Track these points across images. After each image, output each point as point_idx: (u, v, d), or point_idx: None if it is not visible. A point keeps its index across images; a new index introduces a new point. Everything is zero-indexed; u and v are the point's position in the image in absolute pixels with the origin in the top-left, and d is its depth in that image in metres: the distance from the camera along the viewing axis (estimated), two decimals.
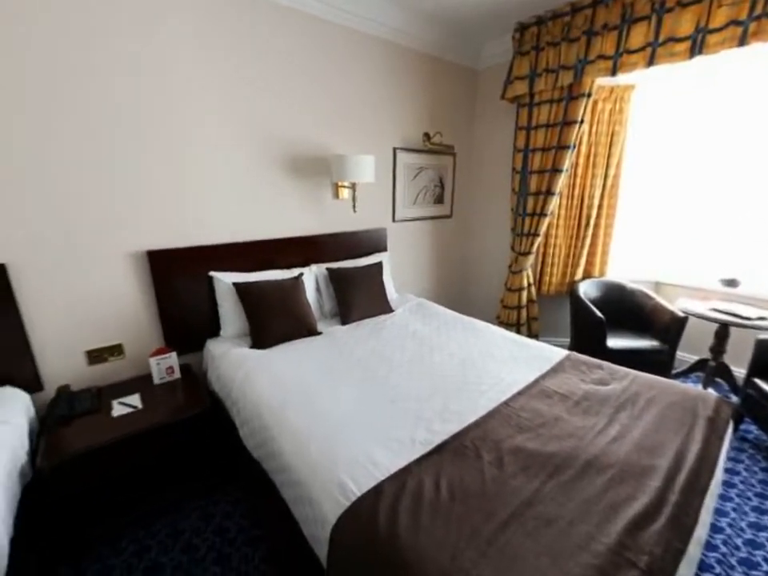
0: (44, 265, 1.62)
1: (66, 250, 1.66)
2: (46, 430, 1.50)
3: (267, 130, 2.11)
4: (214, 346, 1.98)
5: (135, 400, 1.69)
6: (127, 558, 1.48)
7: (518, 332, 2.89)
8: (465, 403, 1.46)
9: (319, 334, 2.09)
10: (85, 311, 1.75)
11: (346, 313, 2.27)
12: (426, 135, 2.85)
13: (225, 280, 2.01)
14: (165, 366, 1.84)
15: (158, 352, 1.84)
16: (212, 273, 2.03)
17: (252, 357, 1.82)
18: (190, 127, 1.86)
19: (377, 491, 1.04)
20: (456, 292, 3.59)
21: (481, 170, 3.31)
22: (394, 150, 2.73)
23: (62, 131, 1.56)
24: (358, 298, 2.30)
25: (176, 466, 1.66)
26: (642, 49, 2.02)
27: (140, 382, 1.82)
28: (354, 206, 2.49)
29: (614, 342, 2.39)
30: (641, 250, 3.00)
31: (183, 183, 1.90)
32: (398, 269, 2.98)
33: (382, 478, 1.09)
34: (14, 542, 1.12)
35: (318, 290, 2.36)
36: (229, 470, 1.83)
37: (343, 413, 1.39)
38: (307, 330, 2.06)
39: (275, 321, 1.97)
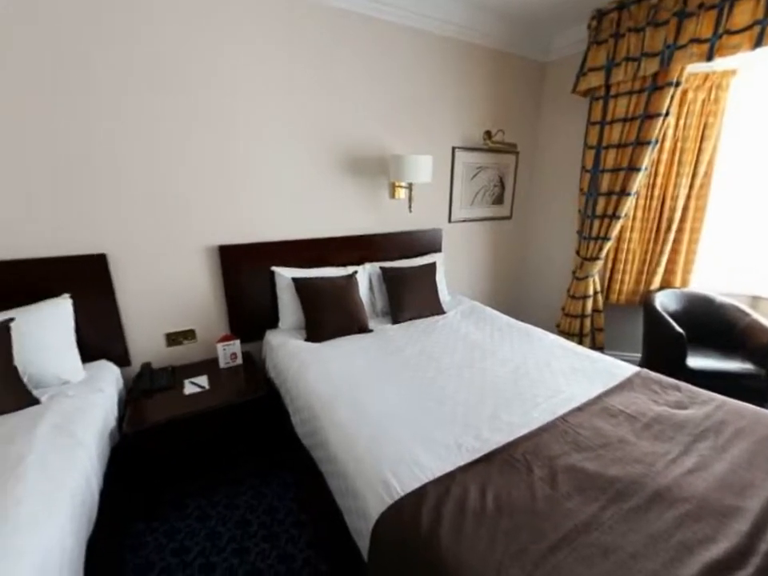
0: (135, 256, 1.84)
1: (155, 243, 1.87)
2: (131, 400, 1.71)
3: (329, 132, 2.19)
4: (272, 337, 2.11)
5: (203, 381, 1.85)
6: (191, 522, 1.64)
7: (580, 343, 2.69)
8: (516, 413, 1.40)
9: (370, 331, 2.13)
10: (166, 298, 1.96)
11: (397, 312, 2.28)
12: (488, 133, 2.76)
13: (285, 275, 2.13)
14: (229, 352, 2.00)
15: (224, 339, 2.00)
16: (274, 268, 2.16)
17: (306, 349, 1.91)
18: (259, 132, 2.00)
19: (420, 493, 1.03)
20: (512, 297, 3.44)
21: (545, 168, 3.12)
22: (453, 149, 2.69)
23: (154, 138, 1.76)
24: (410, 298, 2.31)
25: (235, 445, 1.80)
26: (748, 28, 1.76)
27: (207, 365, 2.00)
28: (409, 206, 2.50)
29: (696, 362, 2.12)
30: (735, 259, 2.62)
31: (251, 183, 2.04)
32: (452, 270, 2.93)
33: (426, 481, 1.08)
34: (102, 495, 1.30)
35: (370, 288, 2.41)
36: (281, 455, 1.94)
37: (390, 410, 1.40)
38: (359, 327, 2.10)
39: (329, 316, 2.05)
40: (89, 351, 1.73)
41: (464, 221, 2.94)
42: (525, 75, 2.87)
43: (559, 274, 3.06)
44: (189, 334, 2.07)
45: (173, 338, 2.03)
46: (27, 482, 1.05)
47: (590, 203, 2.61)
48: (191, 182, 1.89)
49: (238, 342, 2.02)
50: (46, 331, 1.56)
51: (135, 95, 1.68)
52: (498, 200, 3.07)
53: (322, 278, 2.13)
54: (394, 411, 1.40)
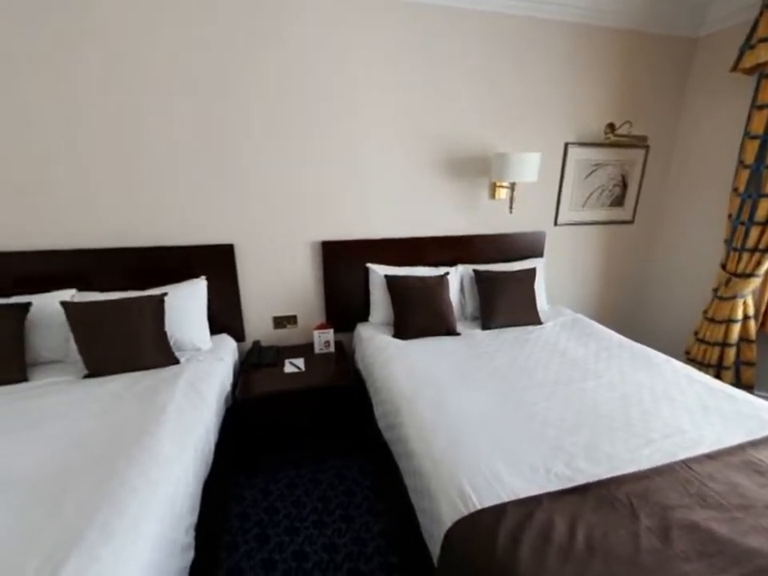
0: (255, 247, 2.12)
1: (270, 237, 2.13)
2: (243, 371, 1.98)
3: (430, 131, 2.19)
4: (363, 329, 2.22)
5: (300, 363, 2.05)
6: (281, 488, 1.83)
7: (718, 377, 2.20)
8: (621, 447, 1.22)
9: (458, 335, 2.09)
10: (276, 286, 2.22)
11: (488, 317, 2.18)
12: (610, 126, 2.44)
13: (378, 272, 2.21)
14: (324, 340, 2.17)
15: (321, 327, 2.18)
16: (368, 264, 2.26)
17: (393, 345, 1.96)
18: (367, 135, 2.10)
19: (499, 511, 0.98)
20: (626, 313, 2.99)
21: (684, 164, 2.62)
22: (566, 145, 2.44)
23: (278, 146, 1.99)
24: (504, 303, 2.18)
25: (323, 426, 1.95)
26: None
27: (305, 349, 2.21)
28: (510, 207, 2.36)
29: None
30: None
31: (355, 183, 2.17)
32: (554, 278, 2.68)
33: (507, 500, 1.01)
34: (216, 447, 1.54)
35: (461, 290, 2.35)
36: (362, 442, 2.03)
37: (472, 417, 1.35)
38: (446, 329, 2.07)
39: (417, 315, 2.06)
40: (214, 325, 2.06)
41: (572, 224, 2.66)
42: (666, 56, 2.44)
43: (693, 290, 2.55)
44: (292, 320, 2.30)
45: (279, 321, 2.28)
46: (166, 426, 1.30)
47: (746, 206, 2.11)
48: (304, 182, 2.09)
49: (331, 331, 2.18)
50: (188, 305, 1.90)
51: (264, 108, 1.93)
52: (618, 201, 2.69)
53: (414, 277, 2.16)
54: (477, 419, 1.35)
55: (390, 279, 2.15)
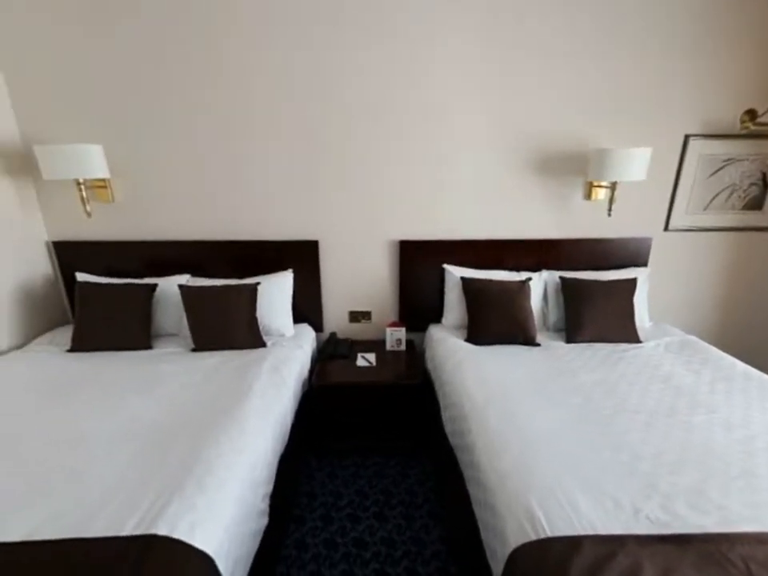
0: (336, 243, 2.24)
1: (351, 234, 2.23)
2: (319, 360, 2.12)
3: (520, 126, 2.06)
4: (435, 331, 2.20)
5: (372, 358, 2.11)
6: (347, 475, 1.91)
7: None
8: (738, 499, 1.01)
9: (537, 345, 1.94)
10: (353, 281, 2.32)
11: (574, 330, 1.99)
12: (750, 113, 2.02)
13: (454, 273, 2.17)
14: (396, 337, 2.20)
15: (393, 324, 2.22)
16: (445, 265, 2.23)
17: (465, 349, 1.90)
18: (446, 132, 2.06)
19: (573, 543, 0.89)
20: (756, 339, 2.47)
21: None
22: (686, 137, 2.10)
23: (364, 147, 2.07)
24: (594, 316, 1.97)
25: (390, 421, 1.99)
26: None
27: (376, 345, 2.26)
28: (609, 209, 2.11)
29: None
30: None
31: (435, 182, 2.15)
32: (660, 291, 2.33)
33: (583, 533, 0.92)
34: (292, 427, 1.66)
35: (544, 298, 2.18)
36: (428, 443, 2.02)
37: (547, 436, 1.25)
38: (524, 337, 1.95)
39: (493, 320, 1.97)
40: (297, 315, 2.23)
41: (689, 230, 2.28)
42: None
43: None
44: (366, 315, 2.38)
45: (354, 316, 2.38)
46: (252, 401, 1.45)
47: None
48: (386, 182, 2.14)
49: (403, 329, 2.20)
50: (276, 295, 2.09)
51: (349, 110, 2.01)
52: (756, 204, 2.23)
53: (492, 281, 2.07)
54: (553, 438, 1.24)
55: (466, 281, 2.09)
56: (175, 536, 0.87)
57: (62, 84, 1.93)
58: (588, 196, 2.18)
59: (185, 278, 2.12)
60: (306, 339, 2.14)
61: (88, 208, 2.03)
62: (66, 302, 2.29)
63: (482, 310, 2.01)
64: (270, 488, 1.31)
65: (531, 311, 2.01)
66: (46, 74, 1.92)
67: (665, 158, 2.12)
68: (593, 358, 1.80)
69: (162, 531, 0.88)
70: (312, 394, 1.92)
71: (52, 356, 1.81)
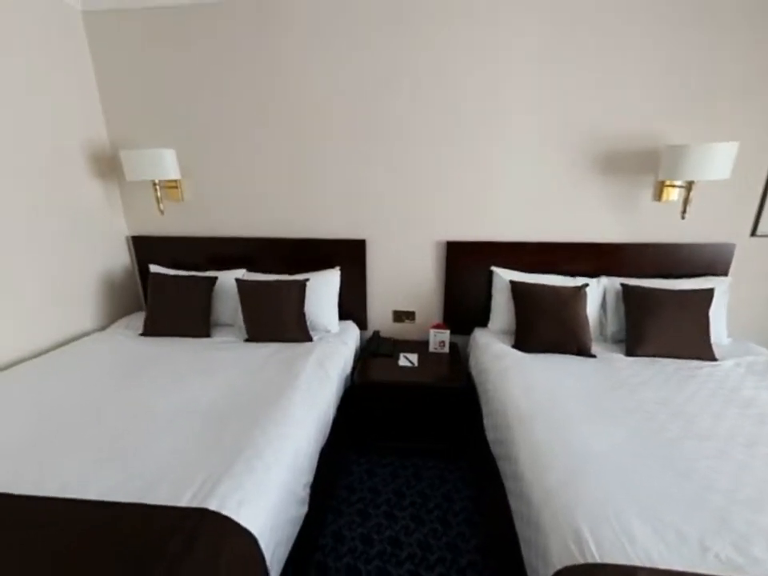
0: (383, 243, 2.26)
1: (399, 233, 2.24)
2: (362, 357, 2.15)
3: (580, 121, 1.93)
4: (480, 335, 2.13)
5: (414, 358, 2.10)
6: (385, 473, 1.92)
7: None
8: None
9: (592, 356, 1.81)
10: (399, 281, 2.32)
11: (636, 342, 1.83)
12: None
13: (503, 276, 2.09)
14: (439, 339, 2.17)
15: (437, 326, 2.19)
16: (493, 268, 2.16)
17: (511, 355, 1.83)
18: (499, 129, 1.99)
19: (625, 572, 0.82)
20: None
21: None
22: None
23: (408, 144, 2.07)
24: (661, 328, 1.79)
25: (430, 423, 1.97)
26: None
27: (419, 346, 2.25)
28: (683, 212, 1.91)
29: None
30: None
31: (482, 182, 2.09)
32: (744, 305, 2.07)
33: (638, 563, 0.84)
34: (333, 421, 1.71)
35: (602, 306, 2.03)
36: (468, 449, 1.97)
37: (600, 455, 1.16)
38: (578, 347, 1.83)
39: (543, 328, 1.87)
40: (342, 312, 2.28)
41: None
42: None
43: None
44: (410, 315, 2.38)
45: (398, 315, 2.39)
46: (298, 392, 1.51)
47: None
48: (434, 181, 2.12)
49: (448, 332, 2.16)
50: (323, 291, 2.16)
51: (400, 113, 2.02)
52: None
53: (544, 286, 1.96)
54: (607, 457, 1.15)
55: (515, 285, 2.00)
56: (224, 512, 0.93)
57: (143, 96, 2.16)
58: (658, 197, 1.99)
59: (241, 272, 2.26)
60: (351, 336, 2.18)
61: (161, 206, 2.24)
62: (140, 290, 2.55)
63: (532, 316, 1.92)
64: (310, 477, 1.36)
65: (587, 319, 1.88)
66: (130, 88, 2.15)
67: (753, 153, 1.87)
68: (657, 375, 1.64)
69: (212, 506, 0.94)
70: (354, 390, 1.96)
71: (127, 339, 2.02)
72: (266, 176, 2.22)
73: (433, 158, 2.08)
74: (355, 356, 2.20)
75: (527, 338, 1.91)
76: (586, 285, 1.94)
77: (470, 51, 1.89)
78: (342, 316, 2.29)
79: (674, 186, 1.94)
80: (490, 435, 1.58)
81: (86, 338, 2.02)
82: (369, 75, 1.98)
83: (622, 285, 1.95)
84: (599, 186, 2.03)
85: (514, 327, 2.01)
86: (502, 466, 1.39)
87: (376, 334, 2.34)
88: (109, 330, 2.16)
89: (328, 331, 2.16)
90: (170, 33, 2.03)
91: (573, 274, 2.09)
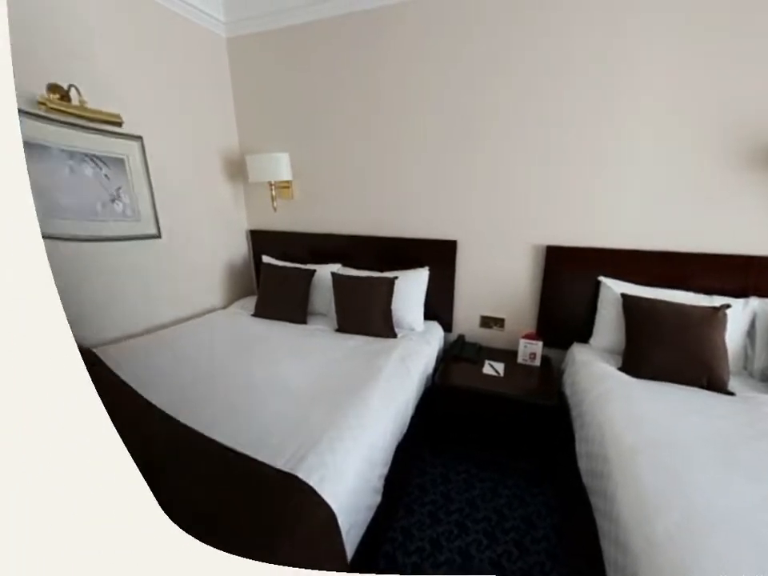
0: (474, 245, 2.19)
1: (490, 235, 2.14)
2: (445, 359, 2.12)
3: (716, 104, 1.60)
4: (579, 351, 1.92)
5: (500, 367, 1.99)
6: (460, 481, 1.87)
7: None
8: None
9: (729, 393, 1.49)
10: (489, 285, 2.23)
11: None
12: None
13: (613, 288, 1.84)
14: (530, 351, 2.02)
15: (528, 336, 2.04)
16: (601, 278, 1.92)
17: (616, 378, 1.60)
18: (606, 122, 1.77)
19: None
20: None
21: None
22: None
23: (504, 141, 1.96)
24: None
25: (513, 439, 1.85)
26: None
27: (506, 355, 2.12)
28: None
29: None
30: None
31: (592, 182, 1.87)
32: None
33: None
34: (411, 419, 1.72)
35: (749, 334, 1.65)
36: (555, 474, 1.80)
37: (730, 513, 0.94)
38: (709, 380, 1.51)
39: (662, 351, 1.60)
40: (428, 312, 2.28)
41: None
42: None
43: None
44: (499, 322, 2.26)
45: (485, 321, 2.29)
46: (378, 385, 1.57)
47: None
48: (533, 180, 1.97)
49: (540, 343, 2.00)
50: (411, 290, 2.19)
51: (500, 109, 1.92)
52: None
53: (667, 303, 1.67)
54: (739, 517, 0.93)
55: (628, 299, 1.75)
56: (311, 484, 1.02)
57: (267, 107, 2.47)
58: None
59: (337, 267, 2.43)
60: (434, 337, 2.17)
61: (275, 204, 2.54)
62: (254, 277, 2.93)
63: (647, 336, 1.65)
64: (385, 470, 1.40)
65: (725, 348, 1.54)
66: (258, 101, 2.49)
67: None
68: None
69: (300, 475, 1.04)
70: (434, 392, 1.94)
71: (242, 318, 2.35)
72: (365, 178, 2.34)
73: (531, 156, 1.94)
74: (438, 357, 2.19)
75: (639, 362, 1.65)
76: (728, 306, 1.59)
77: (584, 29, 1.70)
78: (428, 316, 2.28)
79: None
80: (583, 464, 1.42)
81: (212, 314, 2.42)
82: (465, 78, 1.95)
83: None
84: (745, 182, 1.65)
85: (622, 347, 1.76)
86: (595, 502, 1.24)
87: (461, 337, 2.29)
88: (230, 309, 2.54)
89: (412, 329, 2.18)
90: (293, 51, 2.28)
91: (708, 292, 1.74)
